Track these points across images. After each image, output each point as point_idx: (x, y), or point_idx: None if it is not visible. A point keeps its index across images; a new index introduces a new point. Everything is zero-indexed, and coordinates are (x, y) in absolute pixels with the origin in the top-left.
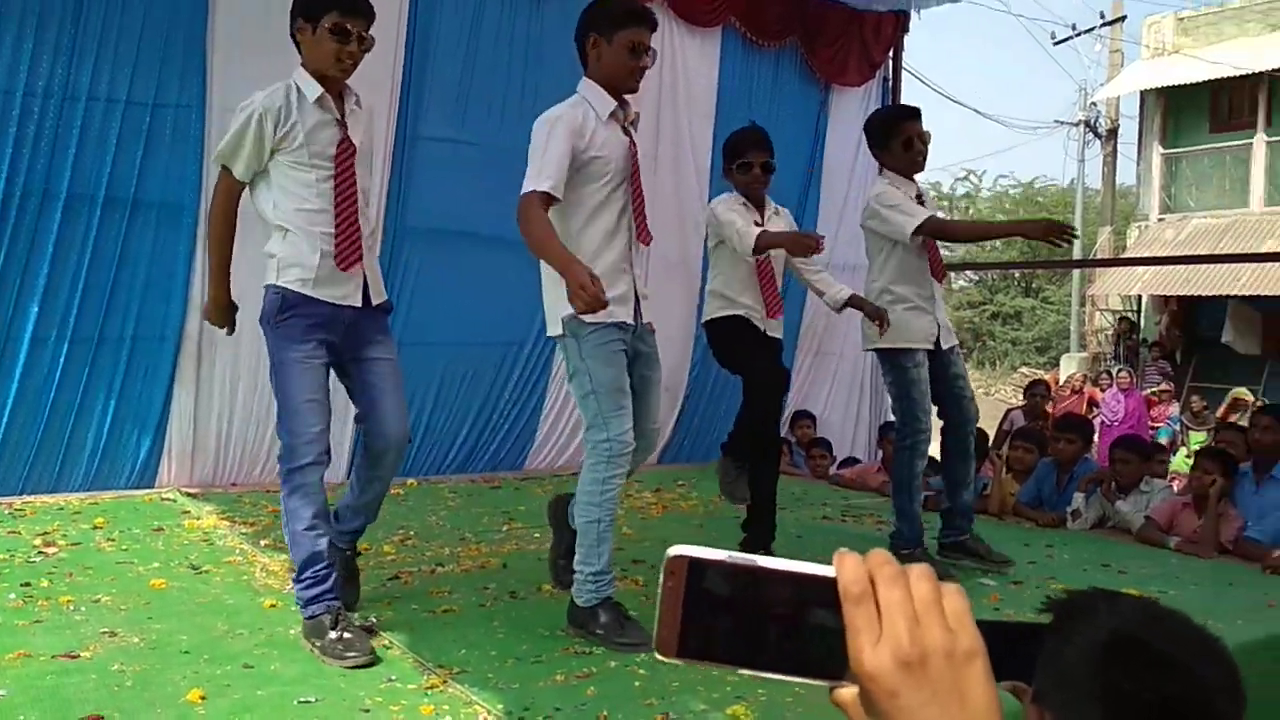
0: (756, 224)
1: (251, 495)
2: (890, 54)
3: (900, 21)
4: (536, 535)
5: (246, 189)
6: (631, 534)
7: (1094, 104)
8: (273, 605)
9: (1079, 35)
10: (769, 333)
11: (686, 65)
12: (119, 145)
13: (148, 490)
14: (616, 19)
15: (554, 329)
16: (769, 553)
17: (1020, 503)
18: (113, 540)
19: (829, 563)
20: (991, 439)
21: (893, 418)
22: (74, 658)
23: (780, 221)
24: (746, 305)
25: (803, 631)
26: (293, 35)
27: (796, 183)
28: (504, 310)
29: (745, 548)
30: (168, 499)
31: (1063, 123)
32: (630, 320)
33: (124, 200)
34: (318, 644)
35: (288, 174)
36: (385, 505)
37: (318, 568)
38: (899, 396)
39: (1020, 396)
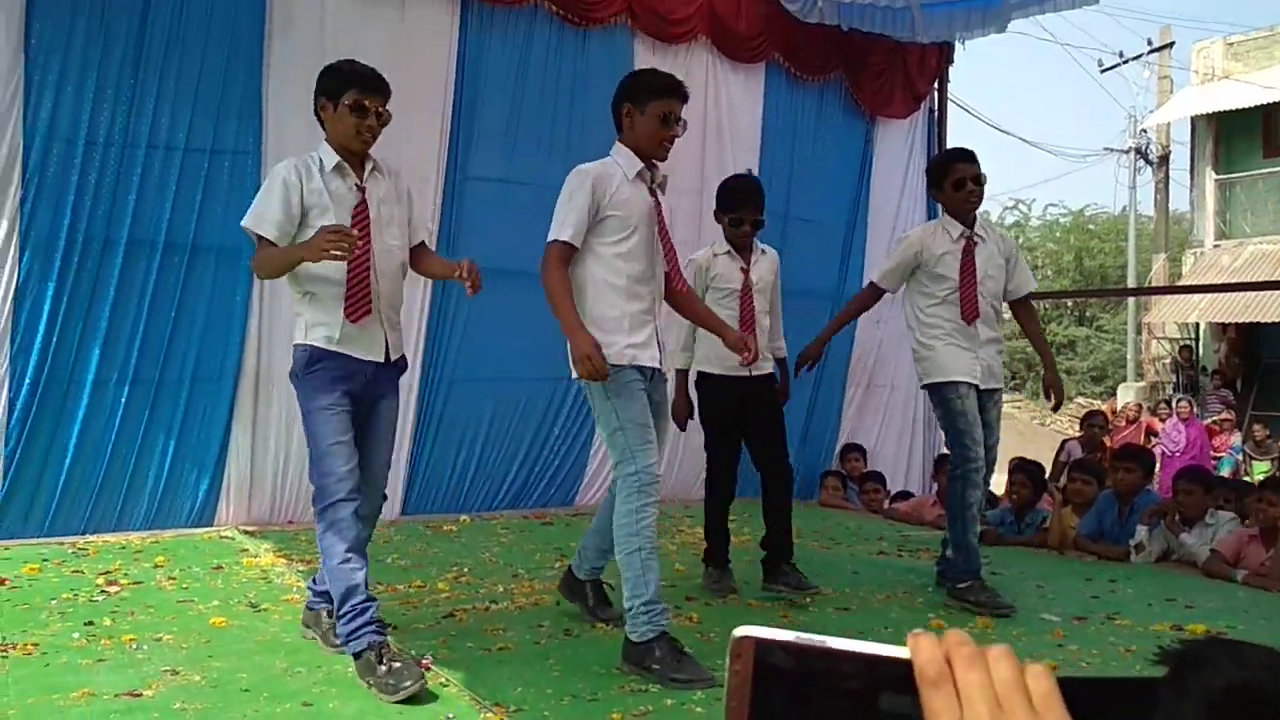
0: (743, 270)
1: (308, 533)
2: (935, 85)
3: (945, 53)
4: None
5: None
6: (684, 570)
7: (1144, 130)
8: None
9: (1126, 62)
10: (752, 373)
11: (730, 101)
12: (178, 191)
13: (207, 528)
14: (652, 90)
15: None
16: (792, 566)
17: (1081, 536)
18: (173, 579)
19: (884, 601)
20: (1049, 471)
21: (947, 450)
22: (137, 696)
23: (766, 262)
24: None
25: (877, 716)
26: (317, 113)
27: (842, 216)
28: (553, 346)
29: (767, 566)
30: (226, 537)
31: (1113, 150)
32: (651, 365)
33: (183, 245)
34: (371, 681)
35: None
36: (439, 542)
37: (356, 600)
38: (946, 428)
39: (1076, 427)
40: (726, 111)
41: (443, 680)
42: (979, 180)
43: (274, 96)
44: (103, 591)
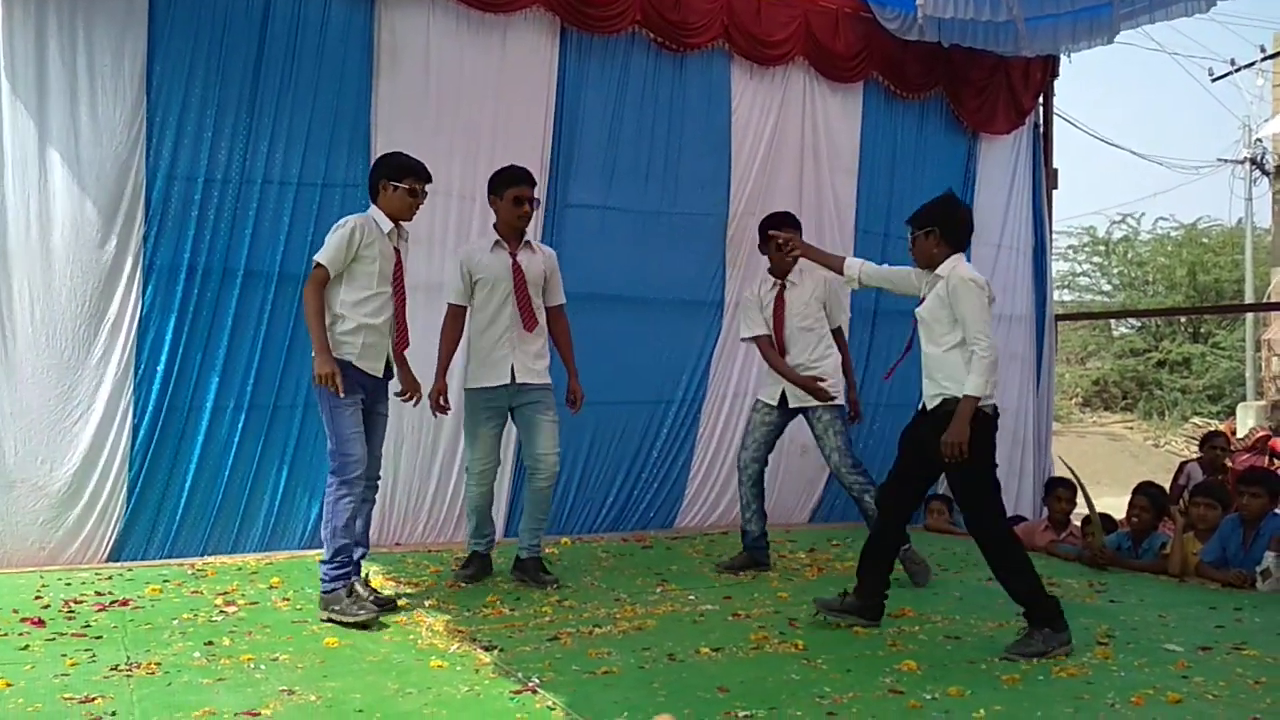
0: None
1: (414, 555)
2: (1040, 99)
3: (1049, 66)
4: (691, 597)
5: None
6: (787, 596)
7: (1259, 140)
8: (439, 665)
9: (1239, 70)
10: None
11: (829, 123)
12: (292, 224)
13: (318, 550)
14: (506, 182)
15: None
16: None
17: (1204, 563)
18: (288, 599)
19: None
20: (1168, 494)
21: (1059, 473)
22: (255, 715)
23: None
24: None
25: None
26: (375, 186)
27: None
28: (651, 369)
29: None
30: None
31: (1226, 160)
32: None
33: (296, 275)
34: (334, 608)
35: (360, 277)
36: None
37: (344, 557)
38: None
39: (1192, 448)
40: (825, 132)
41: (549, 704)
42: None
43: (382, 130)
44: (221, 612)
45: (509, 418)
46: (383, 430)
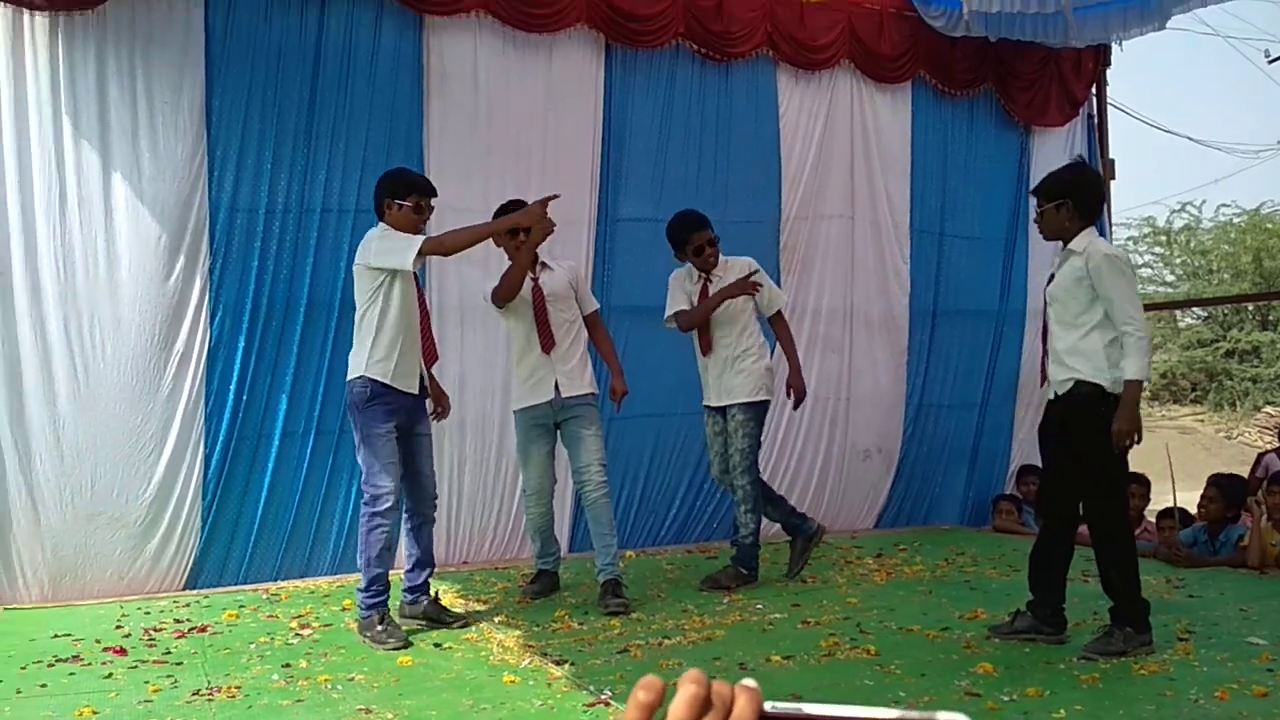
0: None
1: (482, 573)
2: (1093, 89)
3: (1101, 55)
4: (759, 606)
5: (358, 294)
6: (856, 602)
7: None
8: (512, 681)
9: None
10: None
11: (878, 124)
12: (350, 251)
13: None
14: (503, 212)
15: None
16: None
17: None
18: None
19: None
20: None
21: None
22: None
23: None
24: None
25: None
26: (380, 206)
27: (1001, 231)
28: None
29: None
30: (404, 585)
31: None
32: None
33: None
34: (368, 634)
35: (394, 292)
36: None
37: (380, 585)
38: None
39: (1266, 439)
40: (874, 134)
41: (622, 715)
42: (713, 244)
43: (434, 153)
44: (297, 635)
45: (557, 435)
46: (428, 450)
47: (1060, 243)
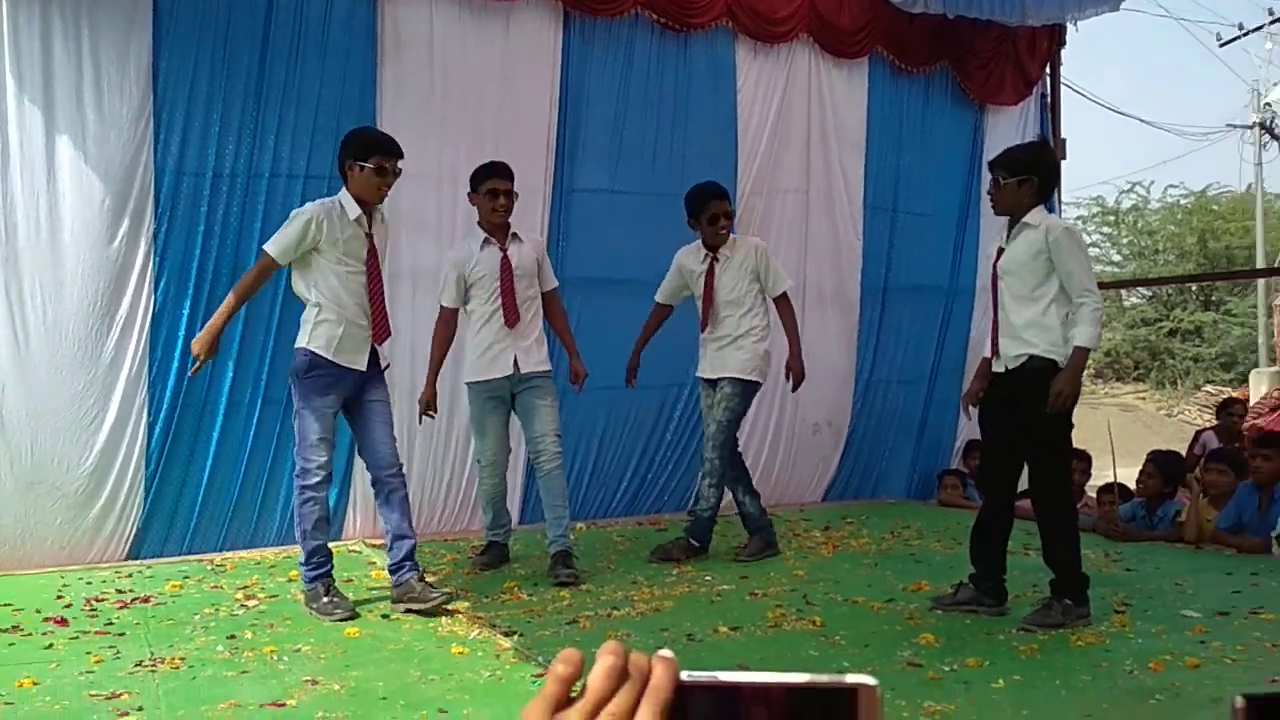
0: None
1: (431, 545)
2: (1047, 69)
3: (1056, 35)
4: (708, 577)
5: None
6: (803, 575)
7: (1268, 104)
8: (460, 652)
9: (1247, 34)
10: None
11: (835, 99)
12: None
13: (335, 543)
14: (481, 176)
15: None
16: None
17: (1220, 529)
18: None
19: None
20: (1184, 463)
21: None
22: (281, 706)
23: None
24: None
25: None
26: (341, 169)
27: (954, 209)
28: (663, 353)
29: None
30: (354, 550)
31: (1235, 126)
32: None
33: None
34: (314, 606)
35: (327, 267)
36: None
37: (320, 557)
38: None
39: (1206, 417)
40: (831, 109)
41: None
42: (729, 215)
43: (388, 119)
44: (242, 606)
45: (512, 406)
46: (384, 416)
47: (1007, 218)
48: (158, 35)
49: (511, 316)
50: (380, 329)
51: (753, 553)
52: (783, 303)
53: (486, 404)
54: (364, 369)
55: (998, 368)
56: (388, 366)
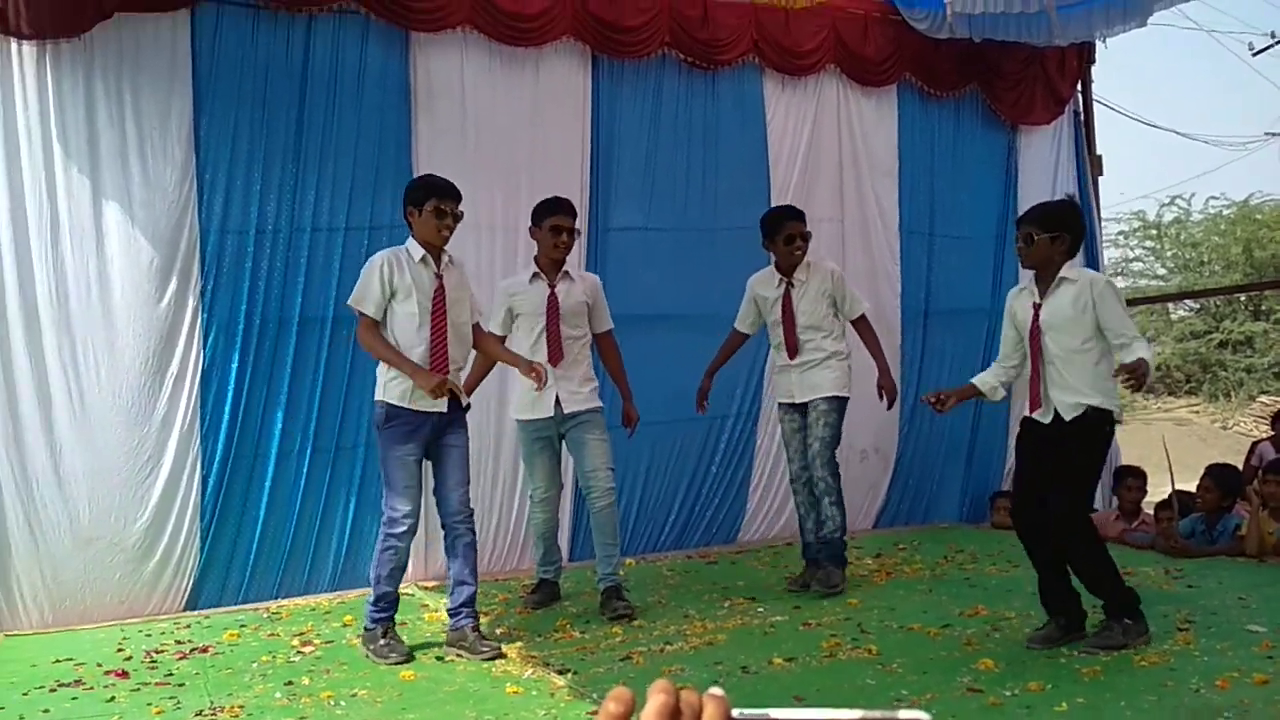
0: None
1: (483, 585)
2: (1078, 87)
3: (1085, 53)
4: (760, 609)
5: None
6: (857, 603)
7: None
8: (515, 691)
9: (1279, 43)
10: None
11: (865, 127)
12: (342, 269)
13: None
14: (545, 212)
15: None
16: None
17: None
18: (362, 636)
19: None
20: (1241, 475)
21: (1126, 463)
22: None
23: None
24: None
25: None
26: (406, 219)
27: (990, 230)
28: None
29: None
30: (406, 593)
31: (1274, 134)
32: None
33: (349, 319)
34: (370, 647)
35: (400, 314)
36: None
37: (386, 602)
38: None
39: (1261, 428)
40: (861, 138)
41: None
42: (805, 237)
43: (424, 169)
44: (299, 652)
45: (562, 443)
46: (459, 461)
47: (1032, 272)
48: (198, 97)
49: (555, 353)
50: (438, 364)
51: (809, 581)
52: (862, 325)
53: (534, 444)
54: (444, 410)
55: (1043, 418)
56: (468, 407)
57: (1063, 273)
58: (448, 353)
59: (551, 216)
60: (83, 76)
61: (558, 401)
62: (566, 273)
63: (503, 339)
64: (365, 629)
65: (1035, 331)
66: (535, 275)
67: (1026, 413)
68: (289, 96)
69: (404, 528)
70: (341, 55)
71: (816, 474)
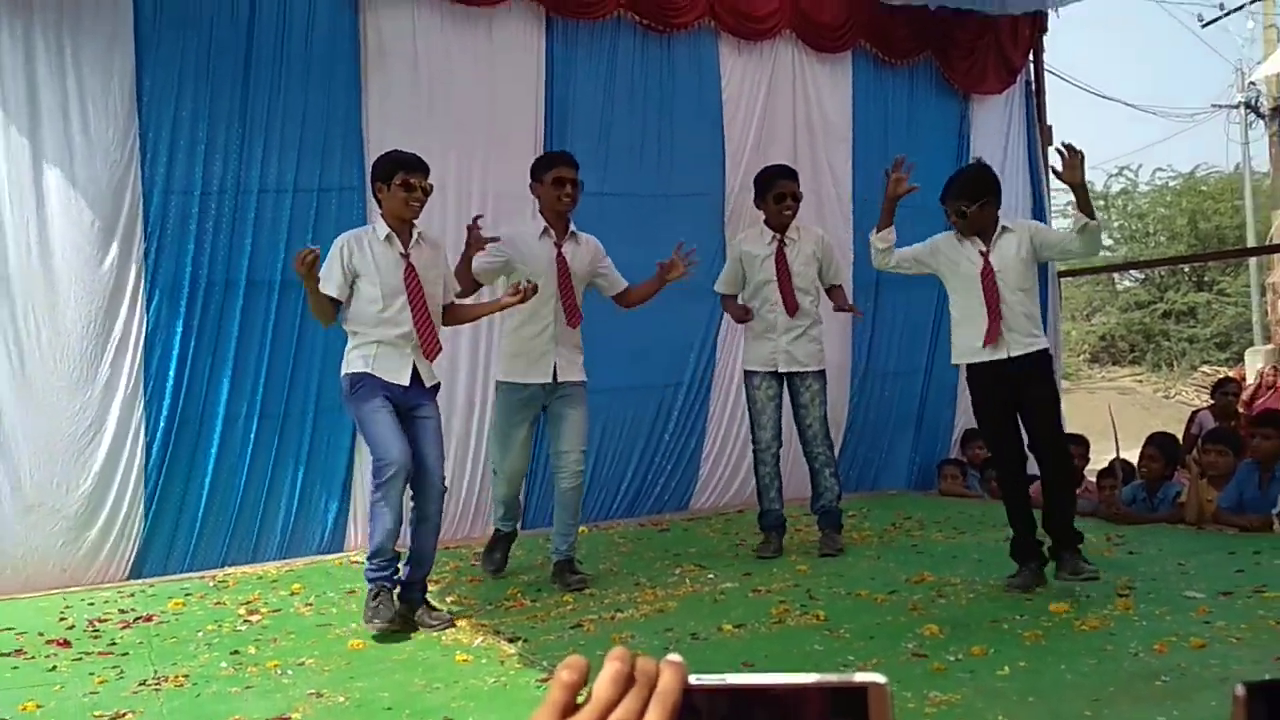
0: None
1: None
2: (1030, 56)
3: (1038, 22)
4: (710, 576)
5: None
6: (806, 570)
7: (1253, 84)
8: (465, 660)
9: (1229, 14)
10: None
11: (819, 94)
12: (290, 230)
13: (337, 554)
14: (545, 165)
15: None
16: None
17: (1221, 509)
18: (310, 604)
19: None
20: (1181, 444)
21: (1071, 430)
22: (285, 719)
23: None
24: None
25: None
26: (375, 196)
27: None
28: (660, 353)
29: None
30: (356, 561)
31: (1221, 106)
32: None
33: (297, 283)
34: (370, 605)
35: (363, 294)
36: None
37: (385, 557)
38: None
39: (1203, 397)
40: (816, 104)
41: None
42: (796, 196)
43: (374, 129)
44: (245, 621)
45: (541, 417)
46: (431, 433)
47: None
48: (140, 54)
49: (574, 316)
50: (428, 346)
51: (773, 551)
52: (840, 293)
53: (516, 413)
54: (406, 384)
55: (997, 354)
56: (438, 385)
57: (1003, 222)
58: (434, 329)
59: (553, 169)
60: (21, 30)
61: (555, 368)
62: (574, 233)
63: (476, 290)
64: (369, 585)
65: (990, 275)
66: (545, 232)
67: (978, 354)
68: (235, 53)
69: (392, 473)
70: (289, 11)
71: (817, 449)
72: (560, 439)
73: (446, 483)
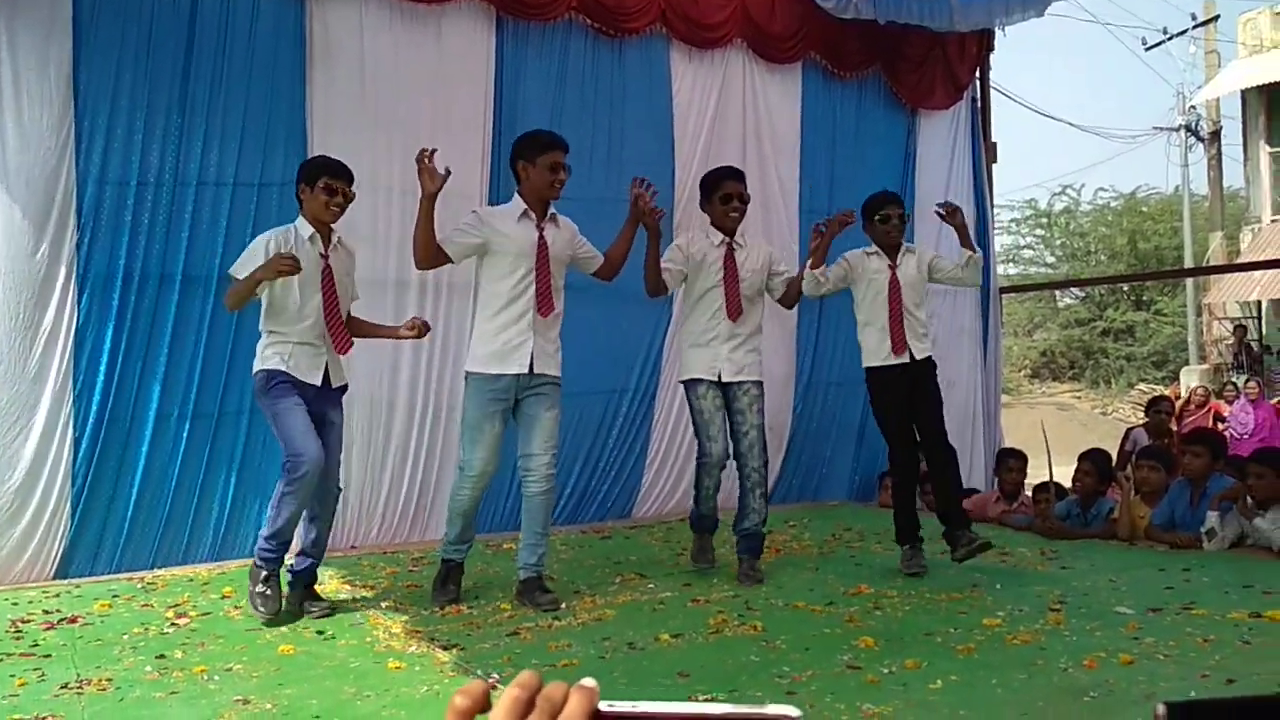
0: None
1: (370, 557)
2: (977, 73)
3: (985, 40)
4: (650, 585)
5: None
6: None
7: (1193, 107)
8: (397, 667)
9: (1172, 38)
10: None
11: (769, 104)
12: (229, 225)
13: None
14: (539, 147)
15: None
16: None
17: (1153, 525)
18: (240, 608)
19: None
20: (1115, 461)
21: (1010, 444)
22: None
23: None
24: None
25: None
26: (297, 196)
27: None
28: (605, 358)
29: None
30: (289, 565)
31: (1162, 129)
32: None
33: None
34: (251, 585)
35: (282, 292)
36: (499, 560)
37: (280, 541)
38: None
39: (1139, 415)
40: (765, 114)
41: None
42: (743, 199)
43: (318, 127)
44: (173, 624)
45: (513, 413)
46: (337, 439)
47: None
48: (78, 41)
49: (546, 304)
50: (340, 342)
51: (755, 578)
52: (794, 280)
53: (488, 405)
54: (318, 384)
55: (900, 360)
56: (345, 386)
57: (906, 245)
58: (345, 329)
59: (549, 152)
60: None
61: (531, 359)
62: (554, 215)
63: (442, 263)
64: (253, 564)
65: (896, 289)
66: (525, 214)
67: (887, 358)
68: (176, 41)
69: (306, 469)
70: (233, 3)
71: (752, 464)
72: (530, 441)
73: (342, 471)
